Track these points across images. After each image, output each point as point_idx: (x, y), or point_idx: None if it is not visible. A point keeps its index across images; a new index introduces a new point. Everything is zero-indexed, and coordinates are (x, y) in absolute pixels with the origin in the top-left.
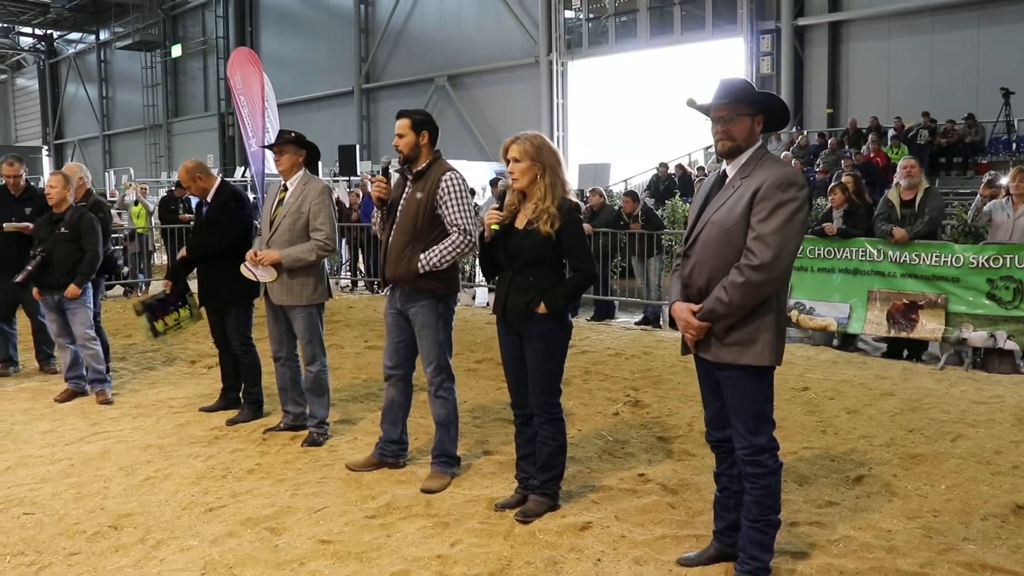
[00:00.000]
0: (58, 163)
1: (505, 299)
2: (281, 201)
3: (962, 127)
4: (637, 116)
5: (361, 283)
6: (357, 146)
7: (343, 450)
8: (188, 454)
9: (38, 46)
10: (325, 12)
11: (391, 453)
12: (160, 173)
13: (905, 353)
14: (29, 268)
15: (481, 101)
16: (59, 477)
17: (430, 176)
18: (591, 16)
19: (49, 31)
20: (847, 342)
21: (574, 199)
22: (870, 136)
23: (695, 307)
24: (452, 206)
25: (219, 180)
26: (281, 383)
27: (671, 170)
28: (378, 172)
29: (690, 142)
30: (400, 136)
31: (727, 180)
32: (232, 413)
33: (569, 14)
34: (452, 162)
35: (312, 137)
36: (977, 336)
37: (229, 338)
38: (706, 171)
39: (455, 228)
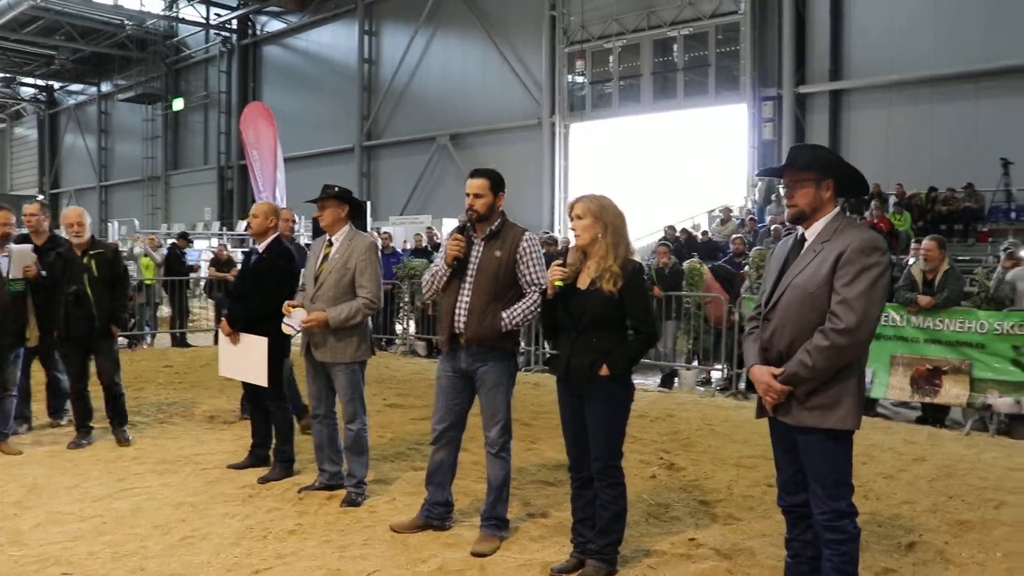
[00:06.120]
0: (54, 212)
1: (568, 361)
2: (326, 257)
3: (962, 195)
4: (639, 179)
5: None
6: (368, 203)
7: (383, 511)
8: (223, 513)
9: (39, 96)
10: (328, 70)
11: (437, 515)
12: (159, 224)
13: (928, 418)
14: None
15: (483, 160)
16: (92, 535)
17: (507, 236)
18: (595, 80)
19: (51, 82)
20: (868, 407)
21: (638, 259)
22: (872, 203)
23: (776, 370)
24: (533, 266)
25: (277, 233)
26: (319, 441)
27: (677, 232)
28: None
29: (692, 206)
30: (478, 196)
31: (807, 244)
32: (261, 471)
33: (572, 77)
34: (452, 221)
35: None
36: (1003, 402)
37: (263, 396)
38: (710, 235)
39: (535, 287)
